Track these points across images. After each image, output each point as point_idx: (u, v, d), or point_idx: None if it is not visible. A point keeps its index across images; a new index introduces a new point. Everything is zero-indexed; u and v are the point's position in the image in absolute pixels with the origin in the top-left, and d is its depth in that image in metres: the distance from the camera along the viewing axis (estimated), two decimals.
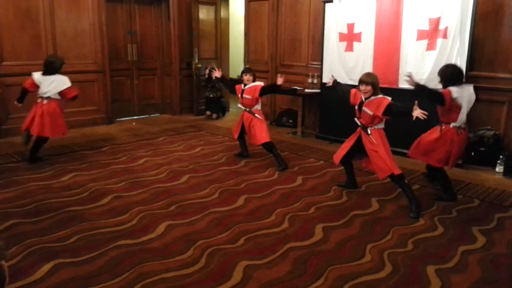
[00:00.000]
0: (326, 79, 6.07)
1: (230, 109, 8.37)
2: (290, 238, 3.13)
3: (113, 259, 2.77)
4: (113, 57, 7.19)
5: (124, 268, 2.67)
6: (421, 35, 5.03)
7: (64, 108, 5.13)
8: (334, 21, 5.88)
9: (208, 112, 7.91)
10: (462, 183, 4.44)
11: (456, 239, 3.18)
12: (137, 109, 7.85)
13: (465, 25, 4.75)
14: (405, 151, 4.20)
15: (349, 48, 5.75)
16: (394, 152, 3.79)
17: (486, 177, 4.65)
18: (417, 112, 3.31)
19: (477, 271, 2.73)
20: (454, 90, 3.70)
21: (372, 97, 3.65)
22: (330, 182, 4.41)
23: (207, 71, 7.74)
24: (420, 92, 3.78)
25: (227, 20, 8.57)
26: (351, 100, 3.92)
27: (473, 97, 3.87)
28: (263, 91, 4.84)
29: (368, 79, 3.64)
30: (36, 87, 4.76)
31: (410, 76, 3.71)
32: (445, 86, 3.79)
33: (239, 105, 5.07)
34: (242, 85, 4.98)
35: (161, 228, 3.25)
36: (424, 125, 3.76)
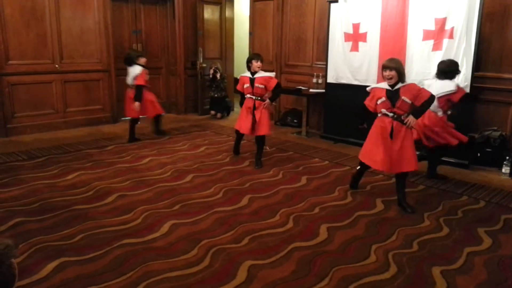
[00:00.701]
0: (331, 79, 6.10)
1: (235, 109, 8.38)
2: (295, 238, 3.12)
3: (117, 258, 2.78)
4: (119, 56, 7.18)
5: (129, 267, 2.67)
6: (427, 35, 5.01)
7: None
8: (339, 21, 5.87)
9: (212, 112, 7.91)
10: (468, 184, 4.42)
11: (462, 240, 3.16)
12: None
13: (471, 25, 4.71)
14: None
15: (355, 48, 5.74)
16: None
17: (492, 178, 4.62)
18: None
19: (483, 272, 2.71)
20: (427, 83, 4.21)
21: (404, 84, 3.54)
22: (335, 182, 4.39)
23: (211, 71, 7.76)
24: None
25: (232, 20, 8.57)
26: (372, 107, 3.73)
27: (443, 90, 4.10)
28: (274, 91, 4.73)
29: (391, 64, 3.49)
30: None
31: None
32: (439, 78, 4.18)
33: (248, 96, 4.81)
34: (249, 73, 4.73)
35: (165, 227, 3.25)
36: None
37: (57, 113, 6.54)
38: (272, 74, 4.83)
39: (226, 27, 8.39)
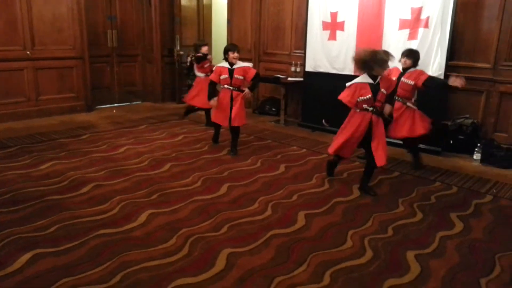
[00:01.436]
0: (309, 67, 6.11)
1: None
2: (273, 226, 3.15)
3: (94, 249, 2.74)
4: (93, 43, 7.01)
5: (106, 257, 2.64)
6: (403, 24, 5.06)
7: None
8: (318, 10, 5.86)
9: None
10: (441, 170, 4.53)
11: (435, 225, 3.25)
12: (118, 97, 7.71)
13: (446, 15, 4.79)
14: None
15: (332, 37, 5.76)
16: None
17: (464, 164, 4.76)
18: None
19: (455, 256, 2.81)
20: None
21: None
22: (313, 170, 4.44)
23: (189, 59, 7.63)
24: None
25: (210, 7, 8.45)
26: (353, 103, 3.64)
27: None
28: (253, 81, 4.73)
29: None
30: None
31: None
32: (414, 66, 4.31)
33: (225, 86, 4.74)
34: (226, 64, 4.69)
35: (143, 216, 3.22)
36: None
37: (29, 101, 6.34)
38: (250, 64, 4.82)
39: (204, 14, 8.28)
